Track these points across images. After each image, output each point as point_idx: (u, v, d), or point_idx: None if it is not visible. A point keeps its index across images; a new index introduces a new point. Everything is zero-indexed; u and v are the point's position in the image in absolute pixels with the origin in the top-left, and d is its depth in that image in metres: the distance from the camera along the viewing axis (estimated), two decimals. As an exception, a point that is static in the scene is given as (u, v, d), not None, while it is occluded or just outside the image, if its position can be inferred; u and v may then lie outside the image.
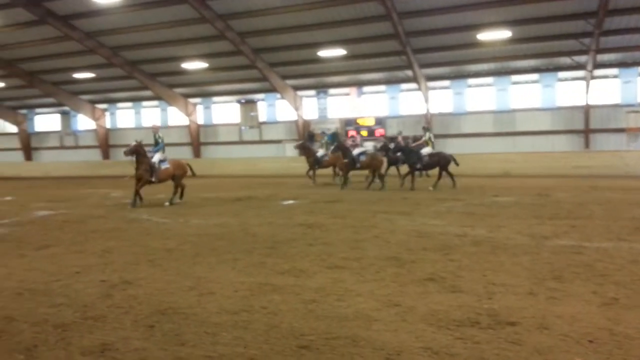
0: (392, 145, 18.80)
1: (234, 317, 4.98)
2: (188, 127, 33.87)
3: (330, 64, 27.07)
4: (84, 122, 37.10)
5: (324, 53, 25.42)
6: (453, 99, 28.54)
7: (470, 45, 24.11)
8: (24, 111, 39.22)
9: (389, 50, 24.98)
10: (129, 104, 35.92)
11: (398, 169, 20.22)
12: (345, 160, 18.12)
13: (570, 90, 26.60)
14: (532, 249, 7.45)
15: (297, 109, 30.91)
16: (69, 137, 37.90)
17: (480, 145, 27.15)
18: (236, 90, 31.96)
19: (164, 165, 14.17)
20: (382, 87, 29.75)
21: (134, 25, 24.84)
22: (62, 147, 38.24)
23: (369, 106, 30.32)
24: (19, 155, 39.25)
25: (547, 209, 11.59)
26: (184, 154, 33.99)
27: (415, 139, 19.96)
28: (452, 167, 17.34)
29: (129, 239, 9.35)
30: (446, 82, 28.31)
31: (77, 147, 36.11)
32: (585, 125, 26.07)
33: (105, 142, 36.30)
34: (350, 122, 29.88)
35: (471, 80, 28.01)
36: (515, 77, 27.18)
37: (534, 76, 26.87)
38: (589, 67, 24.85)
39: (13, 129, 39.40)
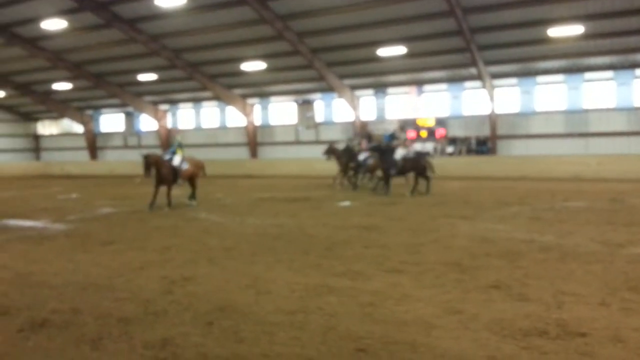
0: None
1: (290, 317, 4.96)
2: (245, 127, 34.48)
3: (390, 62, 26.72)
4: (146, 122, 38.54)
5: (383, 52, 25.10)
6: (520, 98, 27.46)
7: (540, 42, 23.11)
8: (90, 112, 41.07)
9: (452, 48, 24.36)
10: (190, 105, 36.99)
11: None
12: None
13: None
14: (605, 257, 7.02)
15: (354, 109, 30.78)
16: (132, 137, 39.44)
17: (550, 147, 25.99)
18: (293, 90, 32.21)
19: (185, 166, 14.33)
20: (444, 86, 29.02)
21: (195, 28, 25.51)
22: (126, 147, 39.83)
23: (429, 106, 29.69)
24: (85, 155, 41.19)
25: (622, 215, 10.91)
26: (241, 154, 34.66)
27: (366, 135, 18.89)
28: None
29: (188, 236, 9.56)
30: (513, 80, 27.25)
31: (140, 146, 37.54)
32: (664, 126, 24.48)
33: (167, 142, 37.57)
34: (409, 123, 29.34)
35: (540, 78, 26.81)
36: (588, 75, 25.78)
37: (609, 74, 25.38)
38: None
39: (80, 129, 41.38)
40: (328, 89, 30.43)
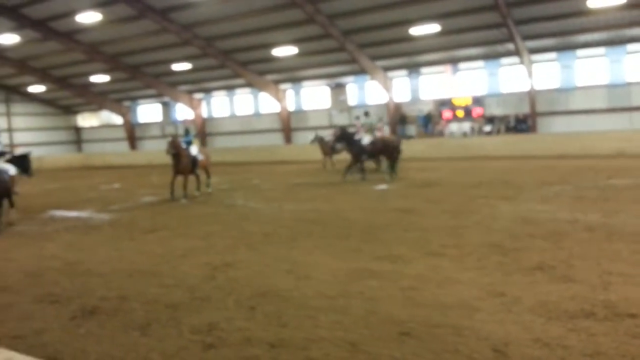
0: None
1: (331, 301, 4.99)
2: (279, 113, 34.57)
3: (423, 41, 26.17)
4: (182, 111, 39.10)
5: (416, 30, 24.59)
6: (560, 73, 26.53)
7: (579, 14, 22.19)
8: (127, 103, 41.85)
9: (488, 23, 23.65)
10: (223, 93, 37.29)
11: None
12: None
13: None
14: (654, 236, 6.78)
15: (387, 90, 30.42)
16: (169, 126, 40.11)
17: (591, 123, 25.10)
18: (325, 74, 31.99)
19: (200, 157, 14.31)
20: (480, 63, 28.25)
21: (226, 15, 25.57)
22: (164, 136, 40.49)
23: (465, 84, 28.93)
24: (124, 145, 42.12)
25: (670, 192, 10.51)
26: (276, 140, 34.80)
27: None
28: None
29: (228, 223, 9.71)
30: (552, 55, 26.31)
31: (177, 136, 38.01)
32: None
33: (203, 131, 38.06)
34: (444, 103, 28.77)
35: (580, 52, 25.79)
36: (630, 47, 24.67)
37: (654, 45, 24.30)
38: None
39: (119, 120, 42.31)
40: (360, 72, 30.13)
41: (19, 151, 12.34)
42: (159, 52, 30.38)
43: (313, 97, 34.18)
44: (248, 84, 33.90)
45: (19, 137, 39.42)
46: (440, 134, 28.73)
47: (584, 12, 21.90)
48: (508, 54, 25.99)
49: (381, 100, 30.94)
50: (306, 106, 34.38)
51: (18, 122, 41.22)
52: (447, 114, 28.15)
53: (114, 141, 42.92)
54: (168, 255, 7.26)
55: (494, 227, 7.94)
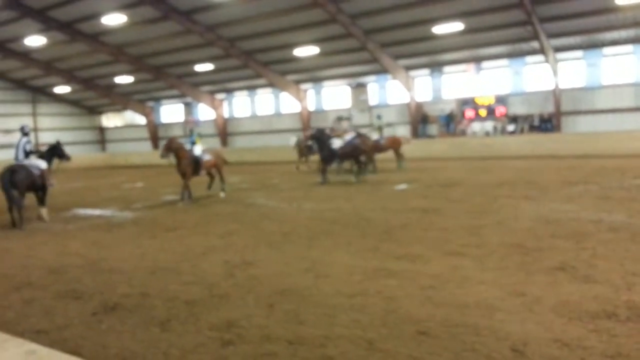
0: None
1: (350, 300, 4.99)
2: (300, 113, 34.65)
3: (446, 40, 25.94)
4: (204, 111, 39.45)
5: (439, 29, 24.40)
6: (586, 71, 26.05)
7: (606, 11, 21.74)
8: (151, 103, 42.48)
9: (512, 21, 23.32)
10: (245, 93, 37.53)
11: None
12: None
13: None
14: (681, 237, 6.62)
15: (409, 90, 30.23)
16: (189, 126, 40.52)
17: (618, 122, 24.58)
18: (346, 73, 31.95)
19: (206, 157, 13.96)
20: (504, 62, 27.90)
21: (249, 16, 25.76)
22: (186, 136, 40.90)
23: (488, 83, 28.59)
24: (147, 145, 42.63)
25: (699, 192, 10.24)
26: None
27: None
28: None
29: (248, 222, 9.77)
30: (578, 53, 25.85)
31: (200, 136, 38.36)
32: None
33: (224, 131, 38.36)
34: (467, 102, 28.48)
35: (607, 50, 25.29)
36: (659, 45, 24.16)
37: (684, 43, 23.67)
38: None
39: (142, 120, 42.95)
40: (382, 71, 30.01)
41: (45, 146, 12.63)
42: (182, 53, 30.74)
43: (334, 97, 34.17)
44: (269, 84, 34.08)
45: (44, 137, 40.21)
46: (463, 133, 28.45)
47: (611, 9, 21.45)
48: (533, 52, 25.59)
49: (403, 100, 30.77)
50: (327, 106, 34.38)
51: (44, 122, 42.21)
52: (469, 113, 27.85)
53: (137, 141, 43.52)
54: (188, 253, 7.34)
55: (516, 227, 7.84)
